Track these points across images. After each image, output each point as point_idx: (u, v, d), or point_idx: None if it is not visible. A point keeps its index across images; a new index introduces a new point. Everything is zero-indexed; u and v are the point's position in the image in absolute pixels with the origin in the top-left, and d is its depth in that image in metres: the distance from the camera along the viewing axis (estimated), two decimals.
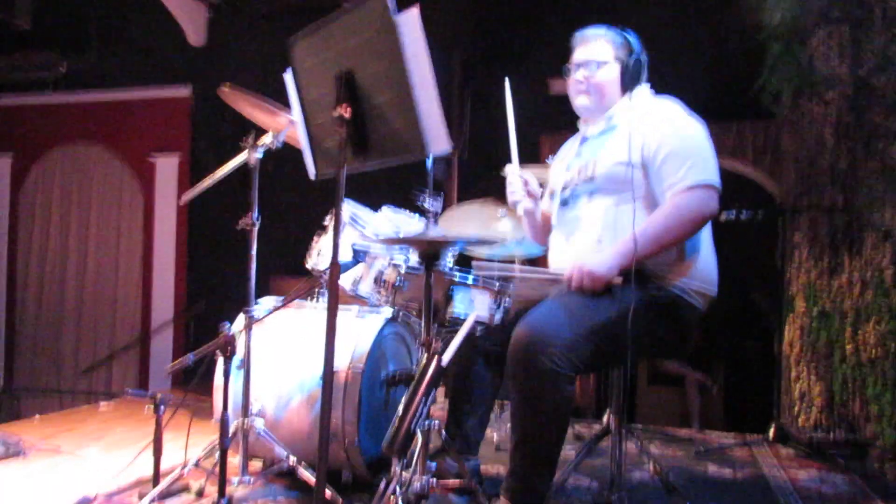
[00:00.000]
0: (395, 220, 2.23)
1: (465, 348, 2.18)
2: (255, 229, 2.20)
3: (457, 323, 1.85)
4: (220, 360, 1.95)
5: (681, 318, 1.93)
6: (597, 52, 2.04)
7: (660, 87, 2.11)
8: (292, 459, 2.12)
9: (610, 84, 2.03)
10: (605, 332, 1.78)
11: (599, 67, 2.03)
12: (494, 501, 1.84)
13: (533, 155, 4.52)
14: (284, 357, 2.31)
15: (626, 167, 1.92)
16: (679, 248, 1.90)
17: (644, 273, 1.88)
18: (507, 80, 2.09)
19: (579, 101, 2.09)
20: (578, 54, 2.08)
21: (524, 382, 1.74)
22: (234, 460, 2.29)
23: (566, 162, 2.18)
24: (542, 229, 2.28)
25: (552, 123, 4.59)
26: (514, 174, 2.15)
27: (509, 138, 2.12)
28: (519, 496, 1.77)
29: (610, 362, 2.04)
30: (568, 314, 1.78)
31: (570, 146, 2.25)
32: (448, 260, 2.08)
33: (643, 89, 2.06)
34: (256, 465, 2.44)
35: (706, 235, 1.99)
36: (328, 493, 2.01)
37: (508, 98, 2.10)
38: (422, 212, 1.93)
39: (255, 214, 2.21)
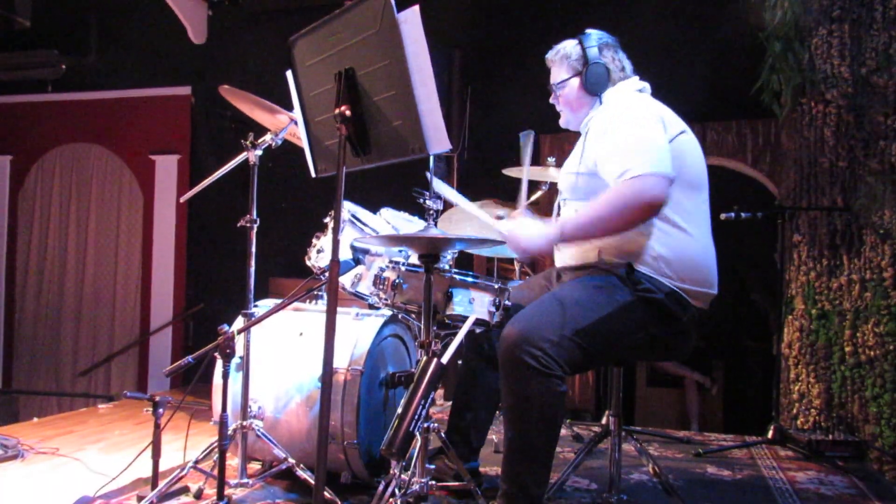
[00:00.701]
0: (394, 222, 2.23)
1: (469, 353, 2.19)
2: (255, 229, 2.20)
3: (457, 320, 1.85)
4: (219, 362, 1.94)
5: (675, 317, 1.90)
6: (555, 74, 2.15)
7: (659, 87, 2.11)
8: (291, 461, 2.12)
9: (576, 99, 2.12)
10: (594, 333, 1.78)
11: (561, 89, 2.13)
12: None
13: (533, 155, 4.54)
14: (283, 358, 2.31)
15: (576, 176, 1.99)
16: (673, 247, 1.89)
17: (638, 273, 1.88)
18: (532, 134, 2.18)
19: (561, 122, 2.21)
20: (551, 75, 2.17)
21: (512, 381, 1.74)
22: (233, 462, 2.29)
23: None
24: None
25: (552, 123, 4.59)
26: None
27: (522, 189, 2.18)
28: (512, 499, 1.76)
29: (603, 363, 2.04)
30: (557, 314, 1.77)
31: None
32: (447, 260, 2.07)
33: (625, 85, 2.07)
34: (255, 466, 2.43)
35: (703, 233, 1.98)
36: (327, 494, 2.01)
37: (528, 151, 2.17)
38: (421, 212, 1.92)
39: (255, 214, 2.20)
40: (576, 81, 2.09)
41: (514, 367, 1.71)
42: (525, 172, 2.22)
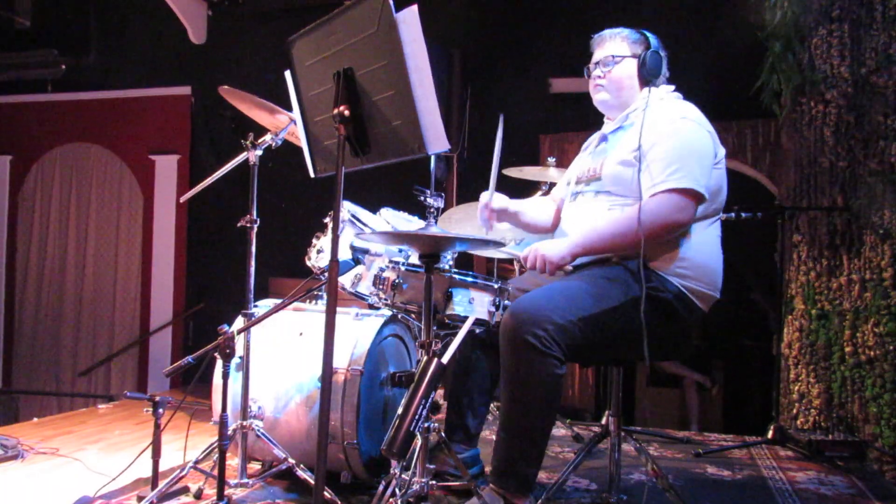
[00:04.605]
0: (394, 222, 2.23)
1: (466, 338, 2.18)
2: (255, 229, 2.20)
3: (457, 320, 1.85)
4: (219, 362, 1.94)
5: (680, 318, 1.92)
6: (613, 48, 2.08)
7: None
8: (291, 461, 2.12)
9: (627, 79, 2.06)
10: (600, 322, 1.79)
11: (615, 63, 2.06)
12: (482, 489, 1.83)
13: (533, 155, 4.55)
14: (283, 358, 2.31)
15: (629, 168, 1.94)
16: (685, 247, 1.90)
17: (646, 268, 1.89)
18: (501, 117, 2.07)
19: (598, 98, 2.12)
20: (596, 54, 2.12)
21: (511, 359, 1.75)
22: (233, 462, 2.29)
23: (584, 157, 2.21)
24: (543, 229, 2.31)
25: (552, 123, 4.60)
26: (482, 201, 2.16)
27: (492, 170, 2.08)
28: (504, 479, 1.76)
29: (603, 356, 2.04)
30: (565, 299, 1.78)
31: (592, 140, 2.26)
32: (448, 260, 2.07)
33: (664, 88, 2.07)
34: (255, 466, 2.43)
35: (713, 235, 1.99)
36: (327, 494, 2.01)
37: (500, 133, 2.06)
38: (421, 212, 1.92)
39: (255, 214, 2.20)
40: (633, 62, 2.05)
41: (516, 344, 1.72)
42: (496, 155, 2.09)
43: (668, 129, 1.91)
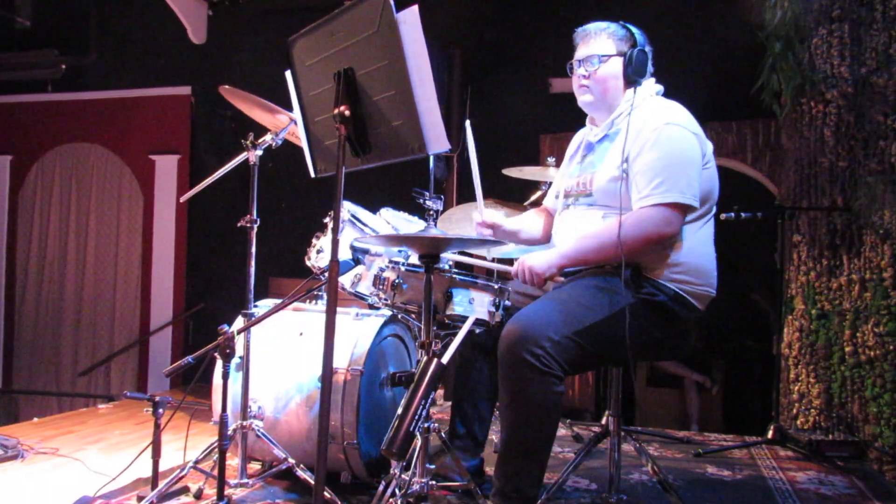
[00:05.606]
0: (394, 222, 2.23)
1: (466, 345, 2.18)
2: (255, 229, 2.20)
3: (457, 320, 1.85)
4: (219, 362, 1.94)
5: (678, 319, 1.92)
6: (598, 47, 2.01)
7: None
8: (291, 461, 2.12)
9: (612, 79, 2.00)
10: (595, 334, 1.78)
11: (601, 62, 1.99)
12: None
13: (533, 155, 4.55)
14: (283, 358, 2.31)
15: (618, 183, 1.92)
16: (679, 252, 1.89)
17: (640, 275, 1.88)
18: (467, 123, 2.04)
19: (583, 99, 2.06)
20: (580, 51, 2.05)
21: (512, 379, 1.74)
22: (233, 462, 2.29)
23: (571, 167, 2.18)
24: (538, 241, 2.31)
25: (552, 123, 4.60)
26: (475, 220, 2.18)
27: (473, 182, 2.09)
28: (506, 498, 1.75)
29: (601, 363, 2.04)
30: (559, 313, 1.78)
31: (575, 144, 2.24)
32: (447, 260, 2.07)
33: (648, 85, 2.03)
34: (255, 466, 2.43)
35: (705, 235, 1.98)
36: (327, 494, 2.01)
37: (471, 141, 2.03)
38: (421, 212, 1.92)
39: (255, 214, 2.20)
40: (618, 61, 1.98)
41: (515, 365, 1.71)
42: (474, 164, 2.10)
43: (652, 136, 1.87)
